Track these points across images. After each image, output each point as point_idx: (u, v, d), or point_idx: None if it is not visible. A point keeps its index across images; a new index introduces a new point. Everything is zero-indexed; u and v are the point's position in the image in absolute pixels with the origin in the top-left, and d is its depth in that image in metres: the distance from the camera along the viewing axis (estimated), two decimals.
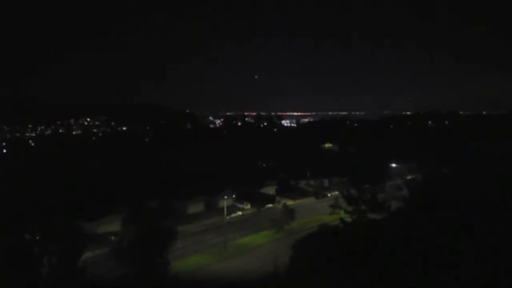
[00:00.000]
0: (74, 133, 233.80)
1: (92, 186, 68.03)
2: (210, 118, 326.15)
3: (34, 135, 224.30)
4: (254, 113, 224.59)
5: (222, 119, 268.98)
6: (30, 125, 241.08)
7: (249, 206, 74.82)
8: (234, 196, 75.67)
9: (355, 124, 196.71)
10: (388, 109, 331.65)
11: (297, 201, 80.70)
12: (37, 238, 34.32)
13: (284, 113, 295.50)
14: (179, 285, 36.15)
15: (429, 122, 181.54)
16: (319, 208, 70.73)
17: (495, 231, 19.57)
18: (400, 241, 22.90)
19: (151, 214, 58.99)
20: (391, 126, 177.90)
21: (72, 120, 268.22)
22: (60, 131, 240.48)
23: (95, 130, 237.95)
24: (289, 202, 75.11)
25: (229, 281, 40.33)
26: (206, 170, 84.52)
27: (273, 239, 56.90)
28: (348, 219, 43.37)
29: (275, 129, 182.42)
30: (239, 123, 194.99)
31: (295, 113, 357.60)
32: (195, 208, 71.20)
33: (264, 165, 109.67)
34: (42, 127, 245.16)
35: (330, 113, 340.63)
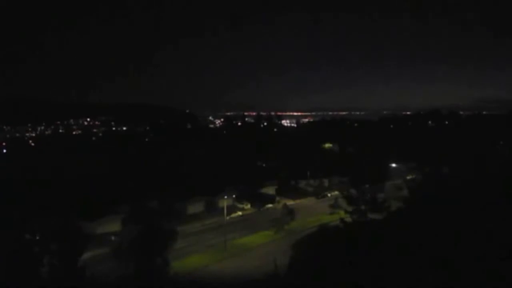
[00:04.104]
0: (74, 133, 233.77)
1: (92, 186, 68.00)
2: (210, 118, 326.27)
3: (34, 135, 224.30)
4: (254, 113, 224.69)
5: (222, 119, 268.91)
6: (30, 125, 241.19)
7: (249, 206, 74.77)
8: (234, 196, 75.58)
9: (355, 124, 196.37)
10: (388, 109, 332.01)
11: (297, 201, 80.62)
12: (37, 238, 34.31)
13: (284, 113, 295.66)
14: (179, 285, 36.12)
15: (429, 122, 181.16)
16: (319, 208, 70.68)
17: (494, 230, 19.57)
18: (400, 241, 22.89)
19: (151, 214, 58.99)
20: (391, 126, 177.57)
21: (72, 120, 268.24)
22: (60, 131, 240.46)
23: (95, 130, 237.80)
24: (289, 202, 75.06)
25: (229, 281, 40.31)
26: (206, 170, 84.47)
27: (273, 239, 56.83)
28: (348, 219, 43.36)
29: (275, 129, 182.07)
30: (239, 123, 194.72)
31: (295, 113, 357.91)
32: (195, 208, 71.11)
33: (264, 165, 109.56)
34: (42, 127, 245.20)
35: (330, 113, 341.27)
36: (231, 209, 69.23)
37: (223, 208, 60.55)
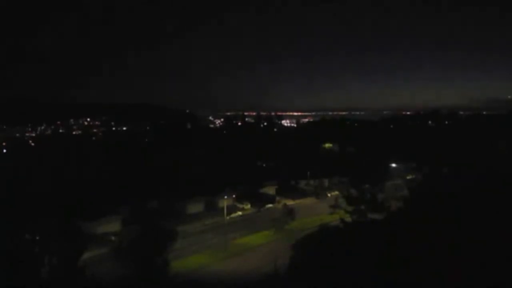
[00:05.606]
0: (74, 133, 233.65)
1: (92, 186, 67.93)
2: (210, 118, 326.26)
3: (34, 135, 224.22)
4: (254, 113, 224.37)
5: (222, 119, 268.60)
6: (30, 125, 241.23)
7: (249, 206, 74.76)
8: (234, 196, 75.59)
9: (355, 124, 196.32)
10: (388, 109, 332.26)
11: (297, 201, 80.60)
12: (37, 238, 34.30)
13: (284, 113, 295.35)
14: (179, 285, 36.13)
15: (429, 122, 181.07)
16: (319, 208, 70.65)
17: (494, 231, 19.57)
18: (400, 241, 22.88)
19: (151, 214, 59.05)
20: (391, 126, 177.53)
21: (72, 120, 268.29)
22: (60, 131, 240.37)
23: (95, 130, 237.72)
24: (289, 202, 75.10)
25: (229, 281, 40.31)
26: (206, 170, 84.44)
27: (273, 239, 56.84)
28: (348, 219, 43.31)
29: (275, 129, 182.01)
30: (239, 123, 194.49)
31: (295, 113, 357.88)
32: (195, 208, 71.09)
33: (264, 165, 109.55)
34: (42, 127, 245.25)
35: (330, 113, 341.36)
36: (231, 209, 69.19)
37: (223, 208, 60.56)
